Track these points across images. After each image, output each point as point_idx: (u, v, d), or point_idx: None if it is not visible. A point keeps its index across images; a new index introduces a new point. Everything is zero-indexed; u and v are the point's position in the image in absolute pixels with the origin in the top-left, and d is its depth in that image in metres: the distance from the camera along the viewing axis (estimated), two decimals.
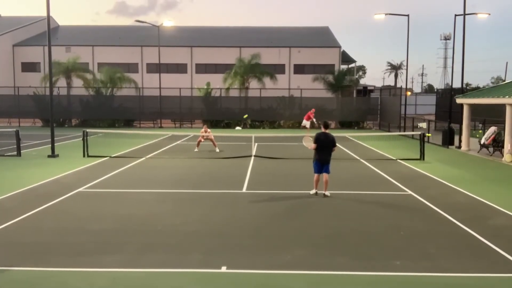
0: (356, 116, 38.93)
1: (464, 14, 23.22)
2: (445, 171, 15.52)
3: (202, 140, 20.72)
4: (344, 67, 54.19)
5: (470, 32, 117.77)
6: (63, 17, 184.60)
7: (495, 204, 10.45)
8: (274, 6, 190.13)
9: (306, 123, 30.32)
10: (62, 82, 40.05)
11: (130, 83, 40.07)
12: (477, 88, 50.59)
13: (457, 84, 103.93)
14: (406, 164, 17.09)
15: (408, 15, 30.76)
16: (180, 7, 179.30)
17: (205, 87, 39.66)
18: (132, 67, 51.50)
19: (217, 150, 20.30)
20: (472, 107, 22.35)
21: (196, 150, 20.48)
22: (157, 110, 38.13)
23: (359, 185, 13.12)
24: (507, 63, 59.06)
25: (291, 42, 53.73)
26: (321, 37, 56.21)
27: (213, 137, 20.71)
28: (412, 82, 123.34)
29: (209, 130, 21.31)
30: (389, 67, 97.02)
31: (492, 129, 20.21)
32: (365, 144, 24.03)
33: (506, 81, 26.22)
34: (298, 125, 37.13)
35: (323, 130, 11.46)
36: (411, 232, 8.46)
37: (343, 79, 41.05)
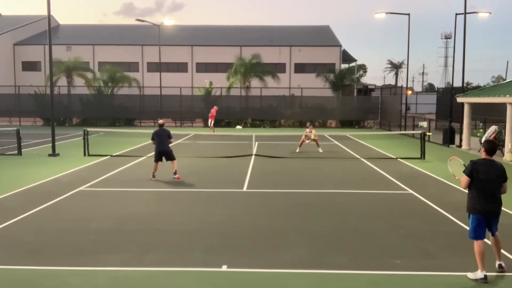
0: (356, 115, 38.94)
1: (465, 13, 23.19)
2: (445, 170, 15.35)
3: (306, 140, 20.08)
4: (344, 66, 54.15)
5: (471, 31, 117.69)
6: (70, 18, 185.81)
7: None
8: (274, 5, 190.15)
9: (210, 121, 30.22)
10: (62, 81, 40.07)
11: (131, 82, 40.08)
12: (478, 87, 50.60)
13: (457, 83, 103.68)
14: (406, 163, 17.09)
15: (408, 14, 30.70)
16: (187, 9, 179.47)
17: (207, 86, 39.67)
18: (133, 66, 51.50)
19: (320, 150, 19.73)
20: (473, 106, 22.34)
21: (297, 150, 19.85)
22: (157, 109, 38.11)
23: (360, 184, 13.11)
24: (507, 62, 59.07)
25: (292, 41, 53.71)
26: (322, 36, 56.19)
27: (317, 138, 20.19)
28: (413, 81, 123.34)
29: (313, 130, 20.35)
30: (390, 66, 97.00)
31: (492, 128, 20.19)
32: (365, 143, 24.01)
33: (506, 80, 26.20)
34: (298, 124, 37.17)
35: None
36: (412, 231, 8.47)
37: (344, 78, 41.05)
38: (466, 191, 6.57)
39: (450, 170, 7.28)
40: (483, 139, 20.41)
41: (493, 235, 6.49)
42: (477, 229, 6.32)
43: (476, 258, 6.26)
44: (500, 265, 6.49)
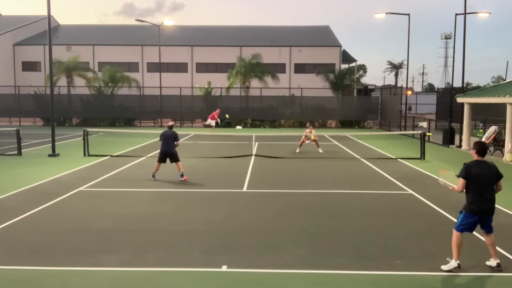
0: (356, 115, 38.95)
1: (465, 13, 23.20)
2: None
3: (306, 140, 20.08)
4: (344, 66, 54.16)
5: (470, 31, 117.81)
6: (70, 18, 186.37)
7: (495, 203, 10.42)
8: (274, 5, 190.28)
9: (211, 121, 30.29)
10: (62, 81, 40.07)
11: (131, 82, 40.08)
12: (478, 87, 50.59)
13: (457, 83, 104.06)
14: (406, 163, 17.09)
15: (408, 14, 30.72)
16: (187, 10, 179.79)
17: (206, 86, 39.67)
18: (133, 66, 51.50)
19: (320, 151, 19.71)
20: (473, 106, 22.34)
21: (297, 150, 19.83)
22: (157, 109, 38.15)
23: (360, 184, 13.11)
24: (507, 62, 59.15)
25: (292, 41, 53.71)
26: (322, 36, 56.19)
27: (317, 138, 20.13)
28: (413, 81, 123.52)
29: (313, 131, 20.38)
30: (390, 66, 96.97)
31: (492, 128, 20.21)
32: (365, 143, 24.01)
33: (506, 80, 26.20)
34: (298, 124, 37.18)
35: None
36: (412, 231, 8.47)
37: (344, 78, 41.05)
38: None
39: (442, 183, 7.35)
40: (482, 140, 20.44)
41: (488, 232, 6.64)
42: (466, 225, 6.57)
43: (453, 248, 6.54)
44: (498, 264, 6.57)
